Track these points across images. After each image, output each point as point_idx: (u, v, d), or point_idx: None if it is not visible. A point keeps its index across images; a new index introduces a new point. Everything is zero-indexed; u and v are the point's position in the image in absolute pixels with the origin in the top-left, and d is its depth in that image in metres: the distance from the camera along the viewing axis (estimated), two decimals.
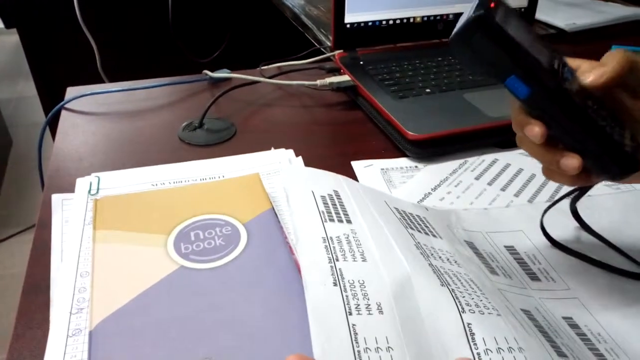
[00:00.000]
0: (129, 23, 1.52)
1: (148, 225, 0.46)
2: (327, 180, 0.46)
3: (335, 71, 0.76)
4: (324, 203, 0.43)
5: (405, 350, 0.34)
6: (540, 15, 0.99)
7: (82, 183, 0.53)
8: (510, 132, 0.40)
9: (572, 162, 0.36)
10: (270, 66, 0.80)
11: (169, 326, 0.37)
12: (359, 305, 0.36)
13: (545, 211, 0.50)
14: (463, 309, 0.36)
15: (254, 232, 0.45)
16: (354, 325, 0.35)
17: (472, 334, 0.35)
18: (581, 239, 0.48)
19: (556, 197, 0.52)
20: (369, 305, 0.36)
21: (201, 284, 0.40)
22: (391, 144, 0.63)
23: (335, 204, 0.43)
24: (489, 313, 0.36)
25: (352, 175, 0.57)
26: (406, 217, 0.46)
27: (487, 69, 0.36)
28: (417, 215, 0.47)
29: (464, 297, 0.37)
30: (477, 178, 0.57)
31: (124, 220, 0.46)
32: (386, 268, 0.39)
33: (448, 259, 0.42)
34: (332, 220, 0.42)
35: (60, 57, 1.51)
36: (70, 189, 0.53)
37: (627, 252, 0.46)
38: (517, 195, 0.54)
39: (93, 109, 0.70)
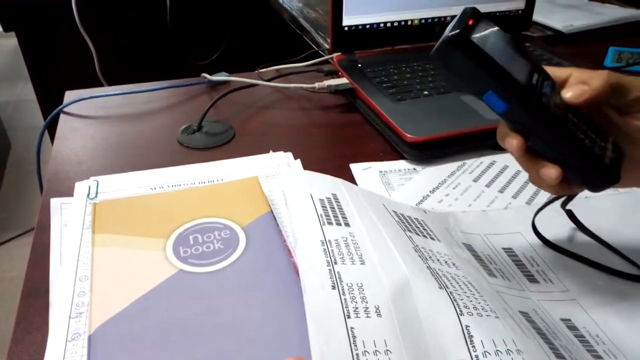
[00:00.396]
0: (127, 26, 1.52)
1: (147, 229, 0.46)
2: (325, 184, 0.46)
3: (334, 74, 0.76)
4: (322, 206, 0.43)
5: (404, 353, 0.34)
6: (538, 17, 0.99)
7: (80, 187, 0.53)
8: None
9: (551, 172, 0.37)
10: (269, 69, 0.80)
11: (168, 330, 0.37)
12: (357, 308, 0.36)
13: (537, 213, 0.50)
14: (461, 311, 0.36)
15: (252, 236, 0.45)
16: (352, 328, 0.35)
17: (471, 337, 0.35)
18: (579, 241, 0.48)
19: (552, 200, 0.52)
20: (367, 308, 0.36)
21: (200, 287, 0.41)
22: (389, 146, 0.63)
23: (333, 207, 0.43)
24: (487, 315, 0.36)
25: (350, 177, 0.57)
26: (404, 220, 0.46)
27: (465, 84, 0.36)
28: (415, 218, 0.47)
29: (462, 299, 0.37)
30: (475, 180, 0.57)
31: (122, 224, 0.46)
32: (384, 271, 0.39)
33: (446, 262, 0.42)
34: (330, 223, 0.42)
35: (59, 61, 1.50)
36: (69, 192, 0.53)
37: (625, 253, 0.46)
38: (515, 197, 0.54)
39: (91, 112, 0.70)
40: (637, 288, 0.44)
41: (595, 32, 0.98)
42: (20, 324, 0.40)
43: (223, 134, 0.65)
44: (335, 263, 0.38)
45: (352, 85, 0.71)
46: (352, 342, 0.34)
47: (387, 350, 0.34)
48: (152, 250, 0.44)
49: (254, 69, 0.80)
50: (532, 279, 0.44)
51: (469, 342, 0.35)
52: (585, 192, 0.42)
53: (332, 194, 0.45)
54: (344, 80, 0.71)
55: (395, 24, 0.78)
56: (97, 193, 0.52)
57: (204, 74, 0.76)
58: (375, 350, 0.34)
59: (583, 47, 0.92)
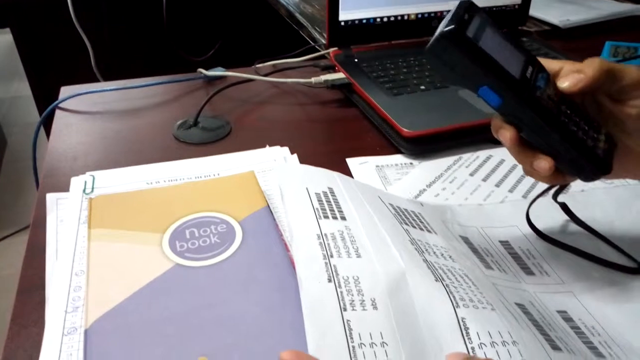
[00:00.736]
0: (123, 22, 1.52)
1: (143, 224, 0.46)
2: (321, 177, 0.46)
3: (330, 69, 0.76)
4: (318, 200, 0.43)
5: (400, 346, 0.34)
6: (534, 11, 0.99)
7: (76, 182, 0.53)
8: None
9: (543, 164, 0.38)
10: (265, 64, 0.80)
11: (164, 324, 0.37)
12: (353, 301, 0.36)
13: (530, 205, 0.50)
14: (457, 303, 0.36)
15: (249, 230, 0.45)
16: (348, 321, 0.35)
17: (467, 329, 0.35)
18: (575, 234, 0.48)
19: (545, 191, 0.52)
20: (364, 301, 0.36)
21: (197, 281, 0.40)
22: (386, 140, 0.63)
23: (329, 201, 0.43)
24: (483, 307, 0.36)
25: (347, 172, 0.57)
26: (401, 213, 0.46)
27: (460, 79, 0.37)
28: (412, 211, 0.47)
29: (458, 292, 0.37)
30: (471, 174, 0.57)
31: (119, 218, 0.46)
32: (380, 264, 0.39)
33: (442, 254, 0.42)
34: (326, 217, 0.42)
35: (55, 57, 1.50)
36: (65, 188, 0.53)
37: (620, 245, 0.46)
38: (511, 191, 0.54)
39: (87, 108, 0.70)
40: (632, 280, 0.44)
41: (591, 26, 0.98)
42: (16, 319, 0.40)
43: (219, 129, 0.65)
44: (332, 256, 0.38)
45: (349, 80, 0.70)
46: (348, 335, 0.34)
47: (383, 342, 0.34)
48: (148, 245, 0.43)
49: (251, 65, 0.80)
50: (528, 271, 0.44)
51: (465, 334, 0.35)
52: (581, 185, 0.42)
53: (329, 187, 0.45)
54: (340, 75, 0.71)
55: (392, 18, 0.78)
56: (93, 188, 0.52)
57: (200, 69, 0.76)
58: (372, 343, 0.34)
59: (579, 42, 0.92)
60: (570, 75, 0.38)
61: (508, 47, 0.38)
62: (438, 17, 0.80)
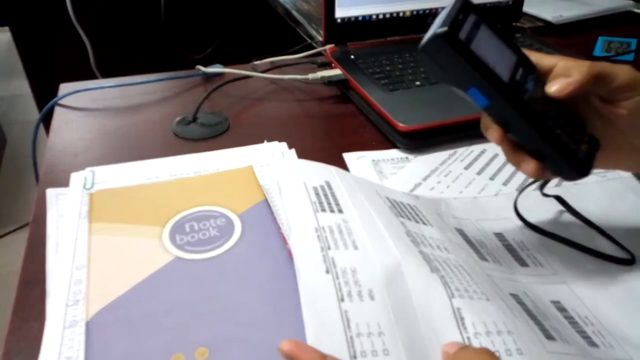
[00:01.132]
0: (122, 20, 1.52)
1: (143, 218, 0.46)
2: (318, 172, 0.47)
3: (327, 65, 0.77)
4: (315, 194, 0.44)
5: (397, 336, 0.35)
6: (528, 8, 1.00)
7: (77, 177, 0.54)
8: None
9: (529, 167, 0.40)
10: (263, 61, 0.80)
11: (165, 316, 0.38)
12: (350, 292, 0.36)
13: (518, 196, 0.51)
14: (453, 294, 0.37)
15: (248, 223, 0.46)
16: (346, 311, 0.35)
17: (462, 319, 0.36)
18: (569, 226, 0.49)
19: (529, 183, 0.54)
20: (361, 291, 0.37)
21: (196, 274, 0.41)
22: (382, 135, 0.63)
23: (327, 195, 0.44)
24: (478, 298, 0.37)
25: (344, 167, 0.58)
26: (397, 206, 0.47)
27: (450, 79, 0.38)
28: (407, 204, 0.48)
29: (453, 282, 0.38)
30: (466, 168, 0.58)
31: (119, 212, 0.47)
32: (377, 256, 0.39)
33: (438, 246, 0.43)
34: (324, 210, 0.42)
35: (54, 55, 1.50)
36: (65, 184, 0.53)
37: (614, 237, 0.47)
38: (505, 184, 0.55)
39: (86, 104, 0.70)
40: (625, 271, 0.44)
41: (584, 22, 0.98)
42: (17, 312, 0.41)
43: (218, 125, 0.65)
44: (329, 248, 0.39)
45: (345, 77, 0.71)
46: (346, 325, 0.35)
47: (380, 332, 0.35)
48: (148, 238, 0.44)
49: (249, 62, 0.80)
50: (522, 263, 0.45)
51: (460, 324, 0.35)
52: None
53: (326, 181, 0.46)
54: (337, 72, 0.72)
55: (387, 15, 0.79)
56: (93, 183, 0.53)
57: (199, 66, 0.76)
58: (369, 333, 0.34)
59: (573, 38, 0.93)
60: (558, 79, 0.38)
61: (500, 47, 0.39)
62: (433, 13, 0.81)
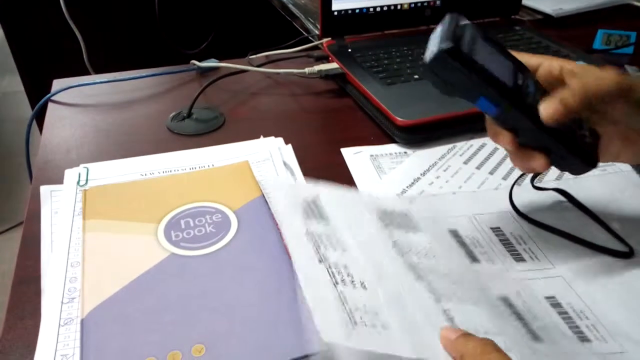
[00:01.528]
0: (115, 15, 1.50)
1: (138, 214, 0.46)
2: (306, 189, 0.47)
3: (324, 59, 0.76)
4: (303, 209, 0.44)
5: (393, 317, 0.36)
6: (527, 0, 0.99)
7: (70, 174, 0.53)
8: None
9: (540, 163, 0.41)
10: (259, 55, 0.80)
11: (161, 312, 0.37)
12: (344, 279, 0.37)
13: (512, 186, 0.51)
14: (439, 298, 0.38)
15: (244, 219, 0.45)
16: (341, 291, 0.36)
17: (451, 318, 0.37)
18: (568, 219, 0.48)
19: (520, 175, 0.54)
20: (354, 281, 0.38)
21: (192, 270, 0.41)
22: (380, 130, 0.63)
23: (313, 210, 0.44)
24: (465, 302, 0.37)
25: (341, 162, 0.57)
26: (386, 216, 0.47)
27: (458, 92, 0.39)
28: (399, 211, 0.48)
29: (439, 289, 0.39)
30: (465, 162, 0.57)
31: (113, 209, 0.46)
32: (365, 262, 0.40)
33: (426, 254, 0.43)
34: (314, 217, 0.43)
35: (47, 51, 1.49)
36: (59, 181, 0.53)
37: (613, 229, 0.47)
38: (505, 178, 0.55)
39: (80, 100, 0.69)
40: (624, 264, 0.44)
41: (584, 15, 0.98)
42: (12, 310, 0.40)
43: (213, 121, 0.65)
44: (319, 248, 0.40)
45: (343, 70, 0.70)
46: (344, 300, 0.36)
47: (375, 313, 0.36)
48: (143, 235, 0.43)
49: (244, 57, 0.79)
50: (518, 258, 0.45)
51: (449, 325, 0.36)
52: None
53: (313, 198, 0.46)
54: (334, 65, 0.71)
55: (385, 8, 0.78)
56: (87, 180, 0.52)
57: (193, 61, 0.75)
58: (366, 312, 0.36)
59: (572, 30, 0.92)
60: (552, 103, 0.38)
61: (497, 55, 0.40)
62: (431, 6, 0.80)
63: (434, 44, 0.37)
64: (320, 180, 0.48)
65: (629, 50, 0.82)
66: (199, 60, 0.76)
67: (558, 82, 0.41)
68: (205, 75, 0.75)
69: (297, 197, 0.44)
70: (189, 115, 0.65)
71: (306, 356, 0.33)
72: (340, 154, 0.59)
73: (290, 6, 1.08)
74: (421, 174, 0.55)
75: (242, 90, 0.73)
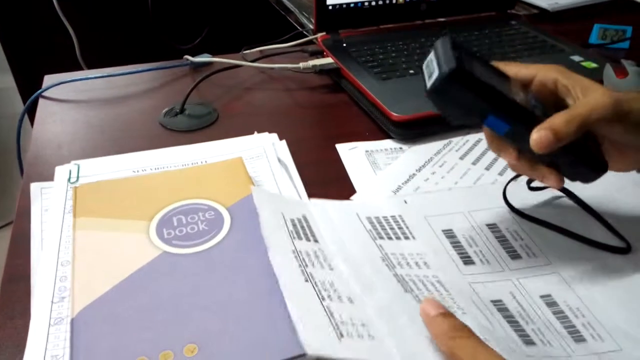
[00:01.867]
0: (108, 10, 1.49)
1: (129, 212, 0.45)
2: (295, 206, 0.47)
3: (318, 54, 0.75)
4: (292, 225, 0.44)
5: (380, 328, 0.35)
6: None
7: (61, 171, 0.52)
8: None
9: (554, 179, 0.40)
10: (252, 50, 0.79)
11: (152, 312, 0.37)
12: (330, 295, 0.37)
13: (507, 185, 0.51)
14: None
15: (237, 216, 0.45)
16: (328, 306, 0.36)
17: None
18: (565, 215, 0.48)
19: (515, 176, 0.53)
20: (340, 297, 0.38)
21: (185, 268, 0.40)
22: (375, 125, 0.62)
23: (303, 227, 0.44)
24: (454, 312, 0.37)
25: (337, 157, 0.57)
26: (378, 226, 0.46)
27: (466, 114, 0.38)
28: (391, 217, 0.47)
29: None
30: (461, 158, 0.57)
31: (104, 207, 0.45)
32: (353, 278, 0.40)
33: (417, 263, 0.43)
34: (300, 239, 0.42)
35: (39, 47, 1.47)
36: (50, 177, 0.52)
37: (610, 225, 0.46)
38: (501, 174, 0.54)
39: (72, 96, 0.68)
40: (621, 260, 0.44)
41: (580, 9, 0.97)
42: (2, 310, 0.40)
43: (206, 116, 0.64)
44: (306, 266, 0.39)
45: (337, 65, 0.70)
46: (329, 315, 0.35)
47: (363, 324, 0.36)
48: (135, 233, 0.43)
49: (238, 52, 0.78)
50: (514, 256, 0.44)
51: None
52: None
53: (302, 215, 0.45)
54: (329, 60, 0.70)
55: (380, 2, 0.77)
56: (78, 177, 0.51)
57: (187, 56, 0.74)
58: (353, 324, 0.35)
59: (568, 25, 0.92)
60: (544, 132, 0.37)
61: (493, 73, 0.39)
62: (426, 0, 0.79)
63: (436, 70, 0.36)
64: (312, 182, 0.47)
65: (625, 44, 0.82)
66: (193, 56, 0.75)
67: (552, 94, 0.41)
68: (199, 71, 0.74)
69: (284, 215, 0.44)
70: (182, 110, 0.64)
71: (300, 355, 0.33)
72: (335, 149, 0.58)
73: (285, 0, 1.07)
74: (417, 170, 0.55)
75: (235, 85, 0.72)
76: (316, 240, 0.43)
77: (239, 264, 0.40)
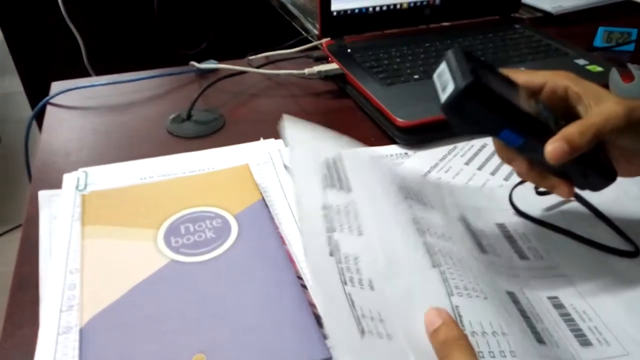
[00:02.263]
0: (114, 16, 1.50)
1: (137, 220, 0.45)
2: (331, 141, 0.45)
3: (323, 60, 0.76)
4: (327, 166, 0.42)
5: (397, 324, 0.35)
6: None
7: (69, 179, 0.53)
8: None
9: (565, 190, 0.40)
10: (258, 56, 0.79)
11: (161, 321, 0.37)
12: (352, 278, 0.36)
13: (513, 189, 0.51)
14: (452, 291, 0.37)
15: (244, 224, 0.45)
16: (349, 293, 0.35)
17: (460, 316, 0.36)
18: (572, 218, 0.48)
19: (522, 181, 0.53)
20: (362, 280, 0.36)
21: (192, 277, 0.40)
22: (380, 131, 0.62)
23: (337, 169, 0.42)
24: (477, 296, 0.36)
25: None
26: (405, 189, 0.45)
27: (481, 128, 0.37)
28: (416, 185, 0.47)
29: (453, 279, 0.38)
30: (466, 163, 0.57)
31: (112, 215, 0.46)
32: (380, 245, 0.38)
33: (443, 234, 0.42)
34: (333, 186, 0.41)
35: (46, 52, 1.48)
36: (57, 184, 0.52)
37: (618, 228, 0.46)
38: (506, 179, 0.54)
39: (79, 103, 0.69)
40: (628, 263, 0.44)
41: (584, 12, 0.97)
42: (10, 318, 0.40)
43: (213, 123, 0.64)
44: (334, 231, 0.38)
45: (342, 71, 0.70)
46: (351, 304, 0.34)
47: (381, 319, 0.35)
48: (143, 241, 0.43)
49: (244, 58, 0.79)
50: (522, 256, 0.44)
51: (458, 322, 0.35)
52: None
53: (338, 153, 0.43)
54: (333, 66, 0.71)
55: (384, 7, 0.77)
56: (86, 184, 0.52)
57: (193, 62, 0.75)
58: (372, 317, 0.34)
59: (572, 28, 0.92)
60: (558, 144, 0.36)
61: (505, 84, 0.38)
62: (430, 5, 0.79)
63: (450, 83, 0.36)
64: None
65: (630, 47, 0.82)
66: (198, 61, 0.75)
67: (562, 101, 0.40)
68: (205, 77, 0.75)
69: (319, 157, 0.42)
70: (189, 117, 0.65)
71: None
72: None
73: (289, 6, 1.07)
74: (422, 176, 0.55)
75: (241, 91, 0.72)
76: (349, 189, 0.41)
77: (246, 272, 0.40)
